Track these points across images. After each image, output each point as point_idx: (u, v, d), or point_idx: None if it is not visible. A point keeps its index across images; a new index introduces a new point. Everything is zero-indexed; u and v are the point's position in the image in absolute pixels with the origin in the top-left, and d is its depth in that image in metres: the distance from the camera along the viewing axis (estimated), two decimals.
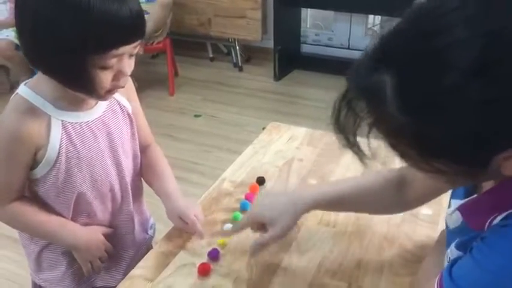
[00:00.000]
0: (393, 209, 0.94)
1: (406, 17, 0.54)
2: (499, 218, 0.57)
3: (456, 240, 0.68)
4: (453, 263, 0.63)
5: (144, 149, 1.07)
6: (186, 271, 0.91)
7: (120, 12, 0.75)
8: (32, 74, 3.26)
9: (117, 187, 0.99)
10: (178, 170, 2.59)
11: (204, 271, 0.90)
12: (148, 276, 0.90)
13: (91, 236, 0.98)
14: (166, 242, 0.98)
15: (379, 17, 3.80)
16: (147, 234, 1.14)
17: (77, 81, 0.81)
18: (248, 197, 1.09)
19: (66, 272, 1.02)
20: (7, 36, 3.09)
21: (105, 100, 0.91)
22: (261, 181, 1.15)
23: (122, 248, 1.06)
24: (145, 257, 0.95)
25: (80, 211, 0.97)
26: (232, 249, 0.96)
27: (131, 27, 0.79)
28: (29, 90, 0.86)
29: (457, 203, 0.68)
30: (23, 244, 1.04)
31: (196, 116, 3.08)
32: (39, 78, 0.86)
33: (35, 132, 0.85)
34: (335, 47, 3.73)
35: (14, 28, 3.09)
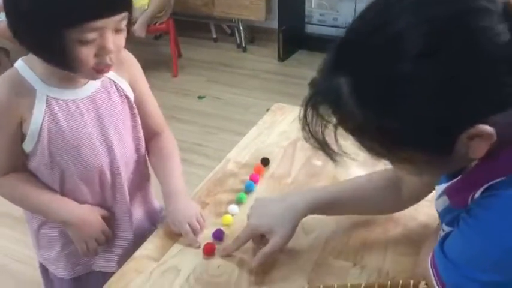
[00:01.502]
0: (390, 208, 0.94)
1: (356, 20, 0.57)
2: (478, 192, 0.60)
3: (446, 219, 0.70)
4: (444, 238, 0.66)
5: (152, 136, 1.04)
6: (191, 251, 0.91)
7: None
8: None
9: (107, 171, 0.95)
10: (182, 152, 2.56)
11: (209, 251, 0.90)
12: (154, 256, 0.91)
13: (87, 214, 0.96)
14: None
15: None
16: (154, 227, 1.07)
17: (58, 57, 0.80)
18: (253, 178, 1.09)
19: (60, 253, 1.01)
20: (5, 18, 3.07)
21: (95, 79, 0.89)
22: (265, 162, 1.15)
23: (117, 235, 1.03)
24: (151, 237, 0.96)
25: (68, 191, 0.95)
26: (237, 229, 0.96)
27: (106, 0, 0.77)
28: (23, 64, 0.87)
29: (441, 187, 0.70)
30: (26, 219, 1.04)
31: (200, 97, 3.08)
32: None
33: (19, 104, 0.85)
34: (340, 27, 3.68)
35: None
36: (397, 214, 0.99)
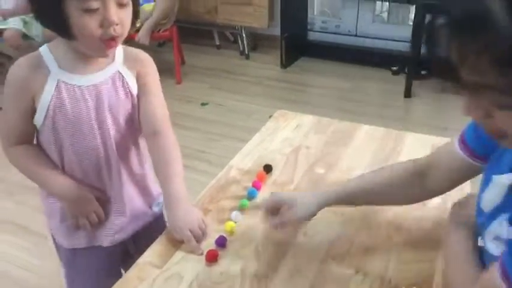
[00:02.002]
0: (414, 199, 0.93)
1: None
2: None
3: (508, 215, 0.63)
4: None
5: (151, 133, 1.05)
6: (194, 258, 0.92)
7: None
8: None
9: (102, 153, 1.01)
10: (185, 159, 2.56)
11: (211, 258, 0.90)
12: (157, 263, 0.91)
13: (81, 193, 1.01)
14: None
15: (387, 3, 3.76)
16: (150, 209, 1.13)
17: (67, 28, 0.87)
18: (255, 185, 1.09)
19: (61, 224, 1.07)
20: (14, 25, 3.10)
21: (104, 56, 0.94)
22: (268, 169, 1.15)
23: (112, 212, 1.07)
24: (153, 244, 0.96)
25: (66, 168, 1.01)
26: (239, 236, 0.96)
27: None
28: (46, 47, 0.96)
29: (500, 178, 0.64)
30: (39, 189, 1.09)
31: (203, 104, 3.08)
32: (58, 39, 0.95)
33: (35, 80, 0.93)
34: (342, 34, 3.70)
35: (22, 17, 3.12)
36: (400, 221, 0.99)
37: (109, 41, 0.89)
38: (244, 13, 3.59)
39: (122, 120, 1.01)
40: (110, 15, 0.86)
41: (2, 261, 1.88)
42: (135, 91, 1.02)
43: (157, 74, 1.06)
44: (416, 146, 1.25)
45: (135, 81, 1.02)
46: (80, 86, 0.95)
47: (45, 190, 1.05)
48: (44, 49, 0.96)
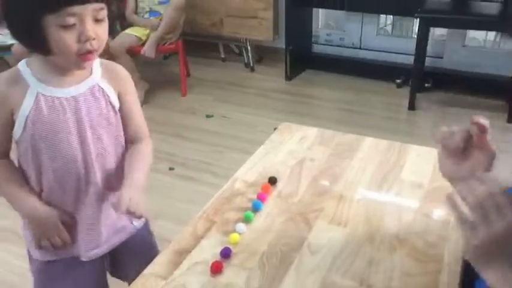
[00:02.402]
0: None
1: None
2: None
3: None
4: None
5: (133, 141, 1.11)
6: (199, 269, 0.92)
7: None
8: None
9: (81, 164, 1.02)
10: (190, 170, 2.63)
11: (216, 269, 0.91)
12: (162, 275, 0.91)
13: (46, 216, 1.03)
14: (179, 240, 1.00)
15: (391, 16, 3.79)
16: (131, 224, 1.16)
17: (44, 43, 0.89)
18: (260, 197, 1.10)
19: (32, 238, 1.08)
20: None
21: (82, 68, 0.97)
22: (273, 181, 1.16)
23: (89, 227, 1.08)
24: (159, 255, 0.97)
25: (45, 179, 1.02)
26: (244, 248, 0.97)
27: None
28: (24, 63, 0.99)
29: None
30: None
31: (208, 116, 3.10)
32: (34, 56, 0.97)
33: (12, 96, 0.96)
34: (347, 47, 3.72)
35: None
36: (404, 233, 0.99)
37: (86, 55, 0.92)
38: (249, 26, 3.63)
39: (103, 133, 1.03)
40: (87, 30, 0.89)
41: (4, 270, 1.89)
42: (116, 104, 1.05)
43: (133, 86, 1.10)
44: (420, 158, 1.26)
45: (115, 93, 1.04)
46: (59, 98, 0.97)
47: (14, 206, 1.03)
48: (21, 64, 0.98)
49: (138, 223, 1.17)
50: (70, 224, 1.06)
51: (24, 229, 1.10)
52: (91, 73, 1.01)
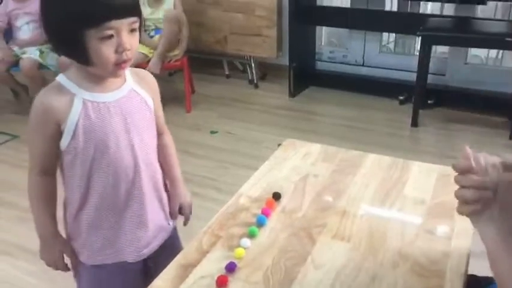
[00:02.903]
0: None
1: None
2: None
3: None
4: None
5: (159, 133, 1.20)
6: (204, 283, 0.94)
7: None
8: None
9: (130, 164, 1.08)
10: (195, 186, 2.64)
11: (222, 283, 0.92)
12: None
13: (55, 249, 1.13)
14: (185, 255, 1.01)
15: (393, 34, 3.84)
16: (169, 224, 1.23)
17: (84, 55, 0.96)
18: (264, 212, 1.11)
19: (85, 243, 1.13)
20: (31, 55, 3.20)
21: (117, 76, 1.04)
22: (277, 196, 1.18)
23: (137, 228, 1.13)
24: (166, 269, 0.98)
25: (96, 182, 1.06)
26: (249, 262, 0.98)
27: (119, 5, 0.95)
28: (62, 75, 1.05)
29: None
30: (64, 206, 1.15)
31: (212, 132, 3.13)
32: (71, 67, 1.04)
33: (59, 107, 1.01)
34: (350, 64, 3.76)
35: (38, 47, 3.22)
36: (406, 249, 1.00)
37: (121, 64, 1.00)
38: (253, 43, 3.68)
39: (145, 133, 1.11)
40: (124, 42, 0.96)
41: (14, 287, 1.90)
42: (151, 105, 1.12)
43: (158, 89, 1.18)
44: (423, 175, 1.27)
45: (148, 96, 1.12)
46: (104, 102, 1.04)
47: (35, 223, 1.12)
48: (61, 78, 1.04)
49: (172, 222, 1.25)
50: (71, 255, 1.14)
51: (73, 238, 1.14)
52: (125, 80, 1.08)
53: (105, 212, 1.09)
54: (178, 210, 1.28)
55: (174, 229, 1.27)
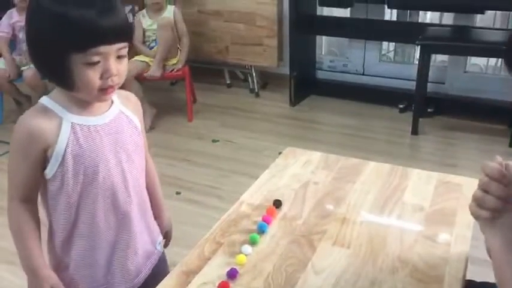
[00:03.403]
0: None
1: None
2: None
3: None
4: None
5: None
6: None
7: (95, 18, 0.89)
8: None
9: (120, 189, 1.04)
10: (196, 194, 2.66)
11: None
12: None
13: (47, 281, 1.03)
14: (187, 262, 1.03)
15: (393, 43, 3.87)
16: (156, 248, 1.19)
17: (69, 79, 0.93)
18: (265, 219, 1.13)
19: (72, 275, 1.07)
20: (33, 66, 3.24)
21: (102, 101, 1.01)
22: (278, 204, 1.19)
23: (129, 255, 1.09)
24: (164, 280, 0.99)
25: (84, 211, 1.02)
26: (250, 269, 0.99)
27: (107, 30, 0.90)
28: (48, 98, 1.00)
29: None
30: (47, 238, 1.09)
31: (214, 141, 3.15)
32: (57, 89, 1.00)
33: (45, 131, 0.96)
34: (350, 73, 3.79)
35: None
36: (406, 254, 1.02)
37: (107, 89, 0.96)
38: (254, 53, 3.71)
39: (135, 156, 1.07)
40: (110, 68, 0.93)
41: None
42: (139, 127, 1.10)
43: (142, 111, 1.15)
44: (422, 182, 1.29)
45: (136, 118, 1.09)
46: (95, 126, 1.00)
47: (21, 258, 1.03)
48: (45, 100, 0.99)
49: (160, 247, 1.21)
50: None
51: (58, 270, 1.07)
52: (112, 101, 1.05)
53: (97, 241, 1.04)
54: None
55: (163, 253, 1.23)
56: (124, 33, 0.95)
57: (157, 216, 1.22)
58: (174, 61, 3.32)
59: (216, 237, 1.09)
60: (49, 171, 0.97)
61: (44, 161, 0.97)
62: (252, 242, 1.06)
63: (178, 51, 3.35)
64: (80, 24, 0.88)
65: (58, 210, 1.02)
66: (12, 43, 3.39)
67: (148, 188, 1.17)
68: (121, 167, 1.03)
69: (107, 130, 1.01)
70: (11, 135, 0.99)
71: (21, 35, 3.30)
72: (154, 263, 1.17)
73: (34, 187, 1.01)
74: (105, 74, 0.93)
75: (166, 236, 1.28)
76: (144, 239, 1.13)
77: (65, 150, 0.96)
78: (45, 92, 3.84)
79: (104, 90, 0.96)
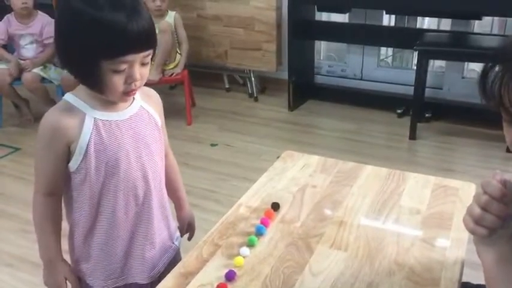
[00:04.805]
0: None
1: None
2: None
3: None
4: None
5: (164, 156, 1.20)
6: None
7: (126, 26, 0.91)
8: (54, 105, 3.40)
9: (140, 183, 1.07)
10: (194, 198, 2.66)
11: None
12: None
13: (60, 273, 1.11)
14: (185, 263, 1.03)
15: (391, 49, 3.89)
16: (173, 243, 1.23)
17: (95, 82, 0.97)
18: (263, 222, 1.14)
19: (96, 265, 1.11)
20: (34, 69, 3.25)
21: (123, 102, 1.04)
22: (276, 207, 1.20)
23: (146, 248, 1.13)
24: (166, 278, 1.00)
25: (105, 203, 1.06)
26: (248, 270, 1.00)
27: (136, 39, 0.94)
28: (71, 94, 1.04)
29: None
30: (68, 230, 1.13)
31: (212, 145, 3.16)
32: (80, 86, 1.04)
33: (69, 127, 1.00)
34: (348, 78, 3.81)
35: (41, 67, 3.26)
36: (403, 257, 1.03)
37: (129, 92, 1.01)
38: (253, 58, 3.73)
39: (154, 150, 1.10)
40: (134, 74, 0.97)
41: None
42: (159, 122, 1.13)
43: (162, 107, 1.18)
44: (419, 185, 1.30)
45: (156, 114, 1.12)
46: (116, 121, 1.04)
47: (40, 247, 1.11)
48: (69, 97, 1.04)
49: (177, 242, 1.25)
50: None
51: (81, 261, 1.12)
52: (134, 97, 1.08)
53: (116, 233, 1.08)
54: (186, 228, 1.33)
55: (178, 249, 1.26)
56: (151, 40, 0.98)
57: (179, 208, 1.31)
58: (173, 65, 3.34)
59: (214, 240, 1.10)
60: (73, 165, 1.02)
61: (68, 155, 1.02)
62: (250, 244, 1.07)
63: (178, 56, 3.37)
64: (110, 31, 0.91)
65: (81, 203, 1.06)
66: (11, 48, 3.40)
67: (171, 180, 1.22)
68: (141, 161, 1.07)
69: (128, 125, 1.05)
70: (37, 133, 1.03)
71: (22, 42, 3.31)
72: (171, 258, 1.21)
73: (58, 181, 1.05)
74: (128, 79, 0.98)
75: (190, 228, 1.34)
76: (162, 233, 1.17)
77: (88, 145, 1.00)
78: (45, 95, 3.83)
79: (127, 93, 1.00)
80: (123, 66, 0.95)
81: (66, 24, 0.96)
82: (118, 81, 0.96)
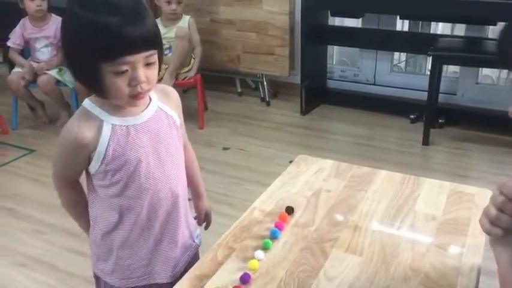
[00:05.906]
0: None
1: None
2: None
3: None
4: None
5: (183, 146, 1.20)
6: None
7: (121, 27, 0.91)
8: (68, 108, 3.44)
9: (161, 185, 1.08)
10: (208, 201, 2.66)
11: None
12: None
13: None
14: (200, 266, 1.04)
15: (405, 54, 3.87)
16: (194, 241, 1.24)
17: (99, 87, 0.96)
18: (278, 225, 1.14)
19: (116, 264, 1.12)
20: (49, 71, 3.29)
21: (132, 106, 1.03)
22: (290, 210, 1.20)
23: (170, 248, 1.14)
24: (181, 280, 1.01)
25: (126, 205, 1.07)
26: (263, 274, 1.00)
27: (132, 40, 0.92)
28: (89, 101, 1.05)
29: None
30: (90, 230, 1.16)
31: (224, 148, 3.17)
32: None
33: (89, 137, 1.01)
34: (361, 83, 3.80)
35: (56, 69, 3.30)
36: (418, 263, 1.02)
37: (137, 96, 0.99)
38: (265, 62, 3.74)
39: (173, 150, 1.10)
40: (138, 76, 0.95)
41: None
42: (177, 122, 1.13)
43: (181, 103, 1.18)
44: (434, 191, 1.29)
45: (174, 112, 1.12)
46: (134, 125, 1.04)
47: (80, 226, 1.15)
48: (87, 104, 1.04)
49: (198, 240, 1.26)
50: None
51: (100, 260, 1.14)
52: (150, 99, 1.08)
53: (140, 232, 1.09)
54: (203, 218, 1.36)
55: (198, 247, 1.26)
56: (152, 40, 0.96)
57: (197, 195, 1.33)
58: (186, 69, 3.36)
59: (228, 243, 1.11)
60: (92, 168, 1.04)
61: (88, 161, 1.03)
62: (265, 248, 1.07)
63: (191, 60, 3.39)
64: (105, 33, 0.90)
65: (99, 203, 1.08)
66: (27, 51, 3.44)
67: (188, 171, 1.21)
68: (161, 163, 1.07)
69: (146, 128, 1.05)
70: (58, 138, 1.05)
71: (37, 45, 3.36)
72: (191, 256, 1.22)
73: (74, 179, 1.10)
74: (132, 82, 0.96)
75: (207, 217, 1.36)
76: (183, 232, 1.18)
77: (106, 150, 1.01)
78: (60, 98, 3.87)
79: (134, 97, 0.99)
80: (124, 68, 0.94)
81: (67, 28, 0.97)
82: (121, 84, 0.95)
